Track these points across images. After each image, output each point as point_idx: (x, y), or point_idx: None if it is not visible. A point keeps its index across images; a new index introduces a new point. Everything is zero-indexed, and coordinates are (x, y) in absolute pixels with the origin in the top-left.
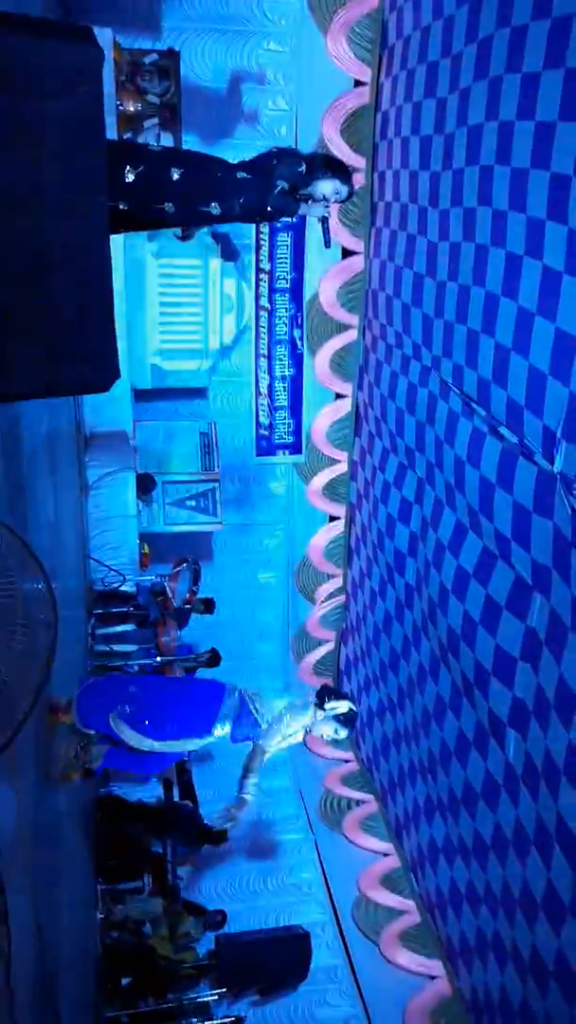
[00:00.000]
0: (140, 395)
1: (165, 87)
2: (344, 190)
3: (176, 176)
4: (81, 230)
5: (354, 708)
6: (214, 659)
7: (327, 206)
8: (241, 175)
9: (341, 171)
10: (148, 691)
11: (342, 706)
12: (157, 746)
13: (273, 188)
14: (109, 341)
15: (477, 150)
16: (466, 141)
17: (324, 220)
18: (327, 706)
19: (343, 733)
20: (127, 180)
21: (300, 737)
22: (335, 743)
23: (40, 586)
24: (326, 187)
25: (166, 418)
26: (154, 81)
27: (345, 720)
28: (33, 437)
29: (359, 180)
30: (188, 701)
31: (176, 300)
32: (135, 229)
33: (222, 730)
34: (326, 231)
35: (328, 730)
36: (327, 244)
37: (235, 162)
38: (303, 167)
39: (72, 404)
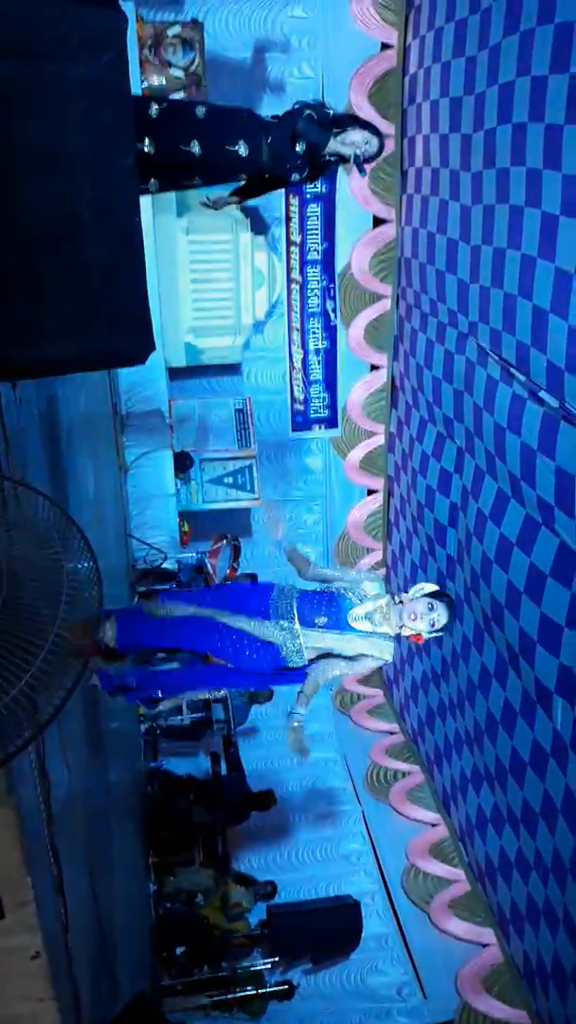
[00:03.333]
0: (174, 373)
1: (189, 59)
2: (374, 141)
3: (201, 113)
4: (109, 194)
5: (446, 592)
6: None
7: (358, 153)
8: (268, 119)
9: (368, 126)
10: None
11: (429, 586)
12: (207, 612)
13: (302, 115)
14: (142, 310)
15: (509, 108)
16: (497, 100)
17: (356, 157)
18: (412, 590)
19: (441, 616)
20: (152, 115)
21: (389, 627)
22: (434, 636)
23: (85, 564)
24: (356, 136)
25: (201, 396)
26: (178, 53)
27: (439, 597)
28: (71, 418)
29: (388, 146)
30: (238, 586)
31: (208, 277)
32: (164, 186)
33: (285, 604)
34: (359, 161)
35: (420, 608)
36: (363, 172)
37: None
38: (330, 110)
39: (108, 384)
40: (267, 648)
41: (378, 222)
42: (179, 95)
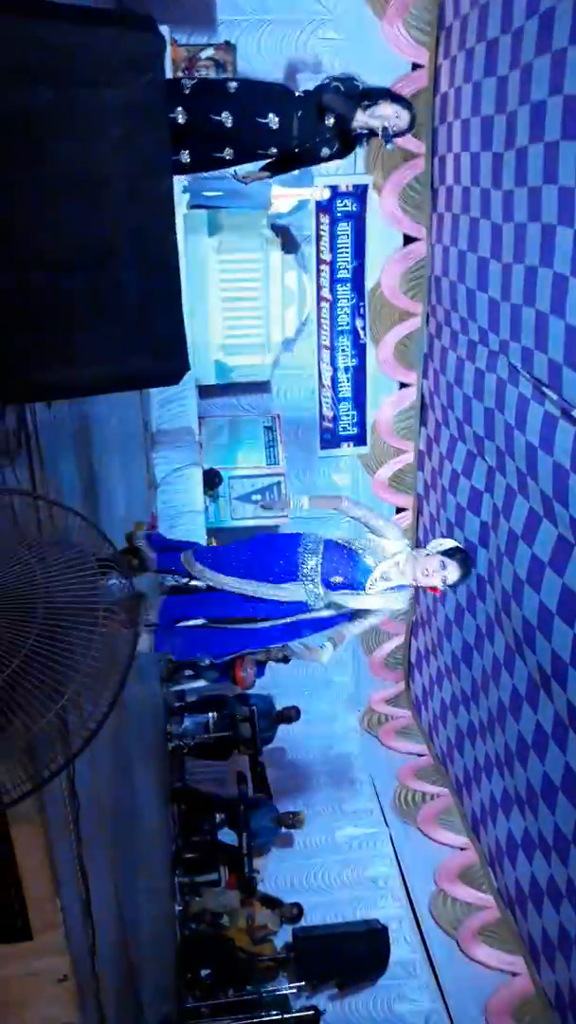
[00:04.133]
0: (204, 391)
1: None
2: (405, 115)
3: (233, 87)
4: (146, 218)
5: (462, 548)
6: (285, 655)
7: (388, 129)
8: (298, 94)
9: (400, 99)
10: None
11: (446, 543)
12: (234, 584)
13: (329, 87)
14: (178, 331)
15: (541, 127)
16: (529, 119)
17: (384, 130)
18: (429, 545)
19: (453, 572)
20: (184, 88)
21: (404, 579)
22: (450, 588)
23: (120, 581)
24: (387, 109)
25: (230, 413)
26: (211, 75)
27: (452, 554)
28: (102, 436)
29: (419, 165)
30: (266, 542)
31: (238, 295)
32: (196, 159)
33: (312, 563)
34: (387, 135)
35: (433, 565)
36: (388, 141)
37: None
38: (360, 83)
39: (138, 403)
40: (295, 604)
41: (408, 240)
42: None
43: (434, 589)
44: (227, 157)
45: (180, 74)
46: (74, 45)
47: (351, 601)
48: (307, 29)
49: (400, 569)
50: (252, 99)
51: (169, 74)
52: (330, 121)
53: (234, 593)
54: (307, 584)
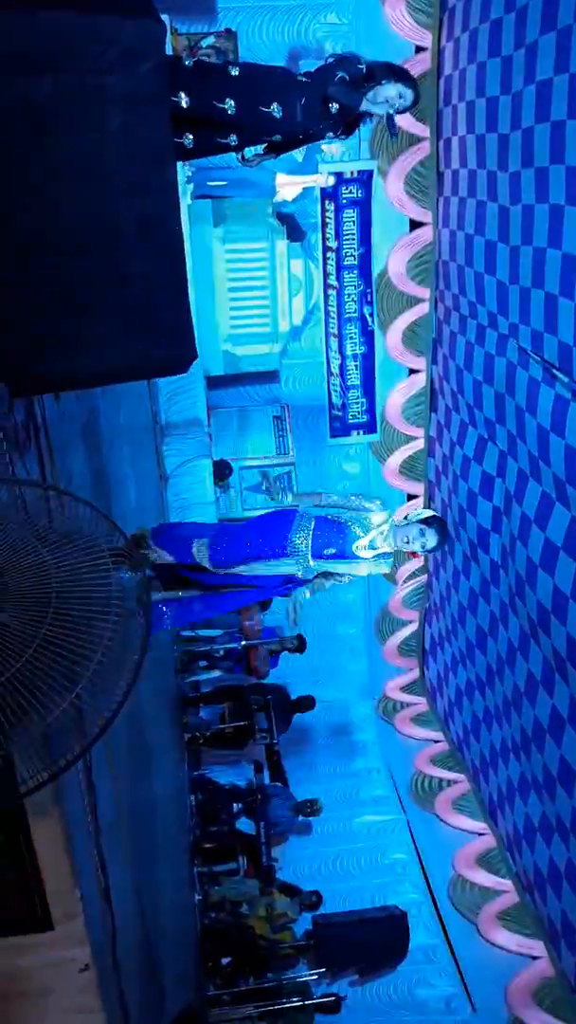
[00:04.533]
0: (213, 382)
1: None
2: (408, 94)
3: (235, 72)
4: (149, 205)
5: (439, 517)
6: (301, 644)
7: (391, 110)
8: (301, 78)
9: (404, 77)
10: (224, 529)
11: (424, 512)
12: (242, 569)
13: (333, 77)
14: (183, 319)
15: (547, 107)
16: (535, 98)
17: (389, 116)
18: (410, 514)
19: (431, 540)
20: (187, 68)
21: (388, 546)
22: (428, 552)
23: (130, 573)
24: (389, 91)
25: (239, 404)
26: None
27: (430, 523)
28: (112, 429)
29: (424, 149)
30: (261, 521)
31: (244, 285)
32: (199, 144)
33: (303, 540)
34: (391, 123)
35: (412, 534)
36: (393, 134)
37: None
38: (363, 65)
39: (147, 394)
40: (287, 577)
41: (415, 225)
42: None
43: (414, 554)
44: (231, 143)
45: (182, 54)
46: (74, 33)
47: (342, 568)
48: (309, 14)
49: (384, 536)
50: (254, 87)
51: None
52: (334, 108)
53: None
54: (297, 559)
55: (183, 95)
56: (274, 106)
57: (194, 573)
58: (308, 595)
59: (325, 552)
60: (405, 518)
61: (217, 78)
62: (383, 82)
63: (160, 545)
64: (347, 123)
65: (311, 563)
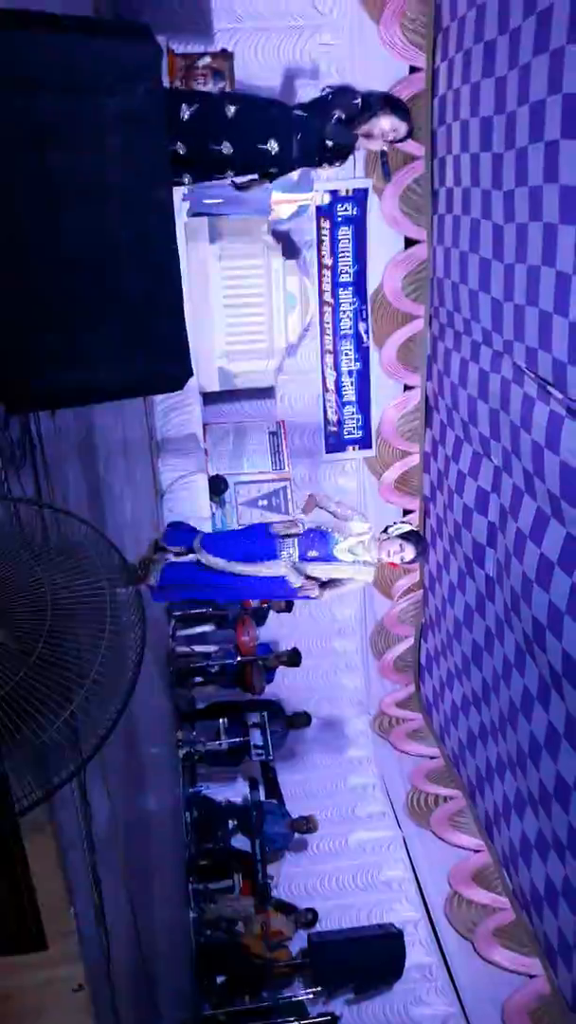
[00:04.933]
0: (209, 398)
1: (220, 89)
2: (403, 128)
3: (231, 113)
4: (146, 224)
5: (416, 531)
6: (295, 657)
7: (385, 143)
8: (297, 113)
9: (399, 108)
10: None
11: (404, 527)
12: (225, 565)
13: (330, 118)
14: (179, 336)
15: (541, 126)
16: (528, 118)
17: (383, 154)
18: (390, 528)
19: (409, 553)
20: (183, 118)
21: (368, 555)
22: (407, 564)
23: (126, 589)
24: (384, 123)
25: (235, 420)
26: (208, 83)
27: (408, 537)
28: (108, 445)
29: (419, 168)
30: (254, 528)
31: (240, 301)
32: (197, 180)
33: (290, 549)
34: (385, 164)
35: (393, 547)
36: (387, 177)
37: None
38: (359, 100)
39: (143, 411)
40: (276, 580)
41: (410, 243)
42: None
43: (394, 565)
44: (228, 176)
45: (177, 84)
46: (73, 55)
47: (324, 571)
48: (304, 35)
49: (365, 547)
50: (250, 125)
51: (166, 82)
52: (330, 143)
53: (225, 571)
54: (285, 561)
55: (180, 144)
56: (271, 143)
57: (193, 569)
58: (324, 598)
59: (309, 554)
60: (386, 531)
61: (213, 122)
62: (378, 113)
63: (170, 543)
64: (341, 157)
65: (297, 564)
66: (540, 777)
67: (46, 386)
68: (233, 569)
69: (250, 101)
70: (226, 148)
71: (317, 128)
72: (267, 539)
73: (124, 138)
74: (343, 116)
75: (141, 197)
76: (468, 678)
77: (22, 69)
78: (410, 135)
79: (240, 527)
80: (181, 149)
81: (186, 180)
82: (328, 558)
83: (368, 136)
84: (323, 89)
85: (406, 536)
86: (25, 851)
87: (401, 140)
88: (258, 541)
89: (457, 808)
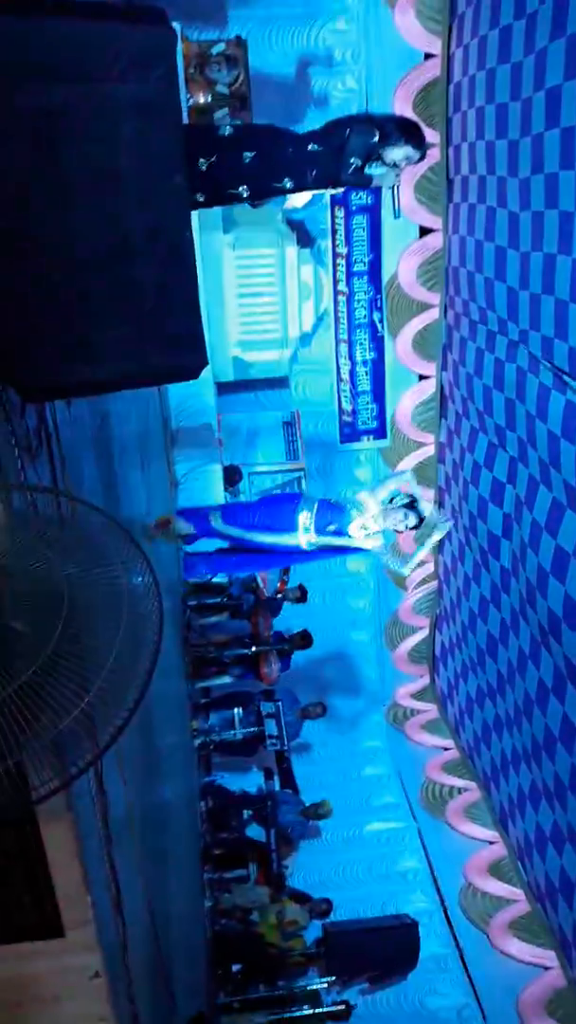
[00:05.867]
0: (223, 388)
1: (234, 76)
2: (415, 156)
3: (248, 159)
4: (160, 213)
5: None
6: (305, 638)
7: (398, 173)
8: (313, 148)
9: (415, 136)
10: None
11: (407, 498)
12: (256, 537)
13: (347, 166)
14: (195, 325)
15: (557, 113)
16: (544, 105)
17: (395, 188)
18: (395, 499)
19: (412, 520)
20: (201, 170)
21: (379, 526)
22: (410, 530)
23: (143, 578)
24: (397, 154)
25: (249, 409)
26: (223, 71)
27: (412, 507)
28: (122, 435)
29: (434, 156)
30: (270, 500)
31: (254, 291)
32: (211, 203)
33: (307, 517)
34: (396, 201)
35: (398, 516)
36: (397, 215)
37: (307, 132)
38: (376, 137)
39: (158, 400)
40: (294, 549)
41: (424, 232)
42: (223, 112)
43: (399, 531)
44: (242, 199)
45: (191, 71)
46: (85, 41)
47: (339, 542)
48: (318, 21)
49: (375, 518)
50: (268, 169)
51: (181, 70)
52: (343, 180)
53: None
54: (302, 533)
55: (200, 195)
56: (285, 181)
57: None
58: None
59: (328, 528)
60: (391, 501)
61: (232, 171)
62: (393, 144)
63: (186, 519)
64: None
65: (314, 538)
66: (555, 769)
67: (61, 376)
68: (252, 537)
69: (267, 142)
70: (243, 191)
71: (333, 168)
72: (288, 513)
73: (138, 127)
74: (360, 164)
75: (155, 185)
76: (483, 670)
77: (33, 56)
78: (423, 159)
79: (257, 498)
80: (200, 198)
81: (200, 198)
82: (343, 533)
83: (380, 166)
84: (340, 119)
85: (409, 506)
86: (43, 839)
87: (414, 163)
88: (278, 514)
89: (472, 800)
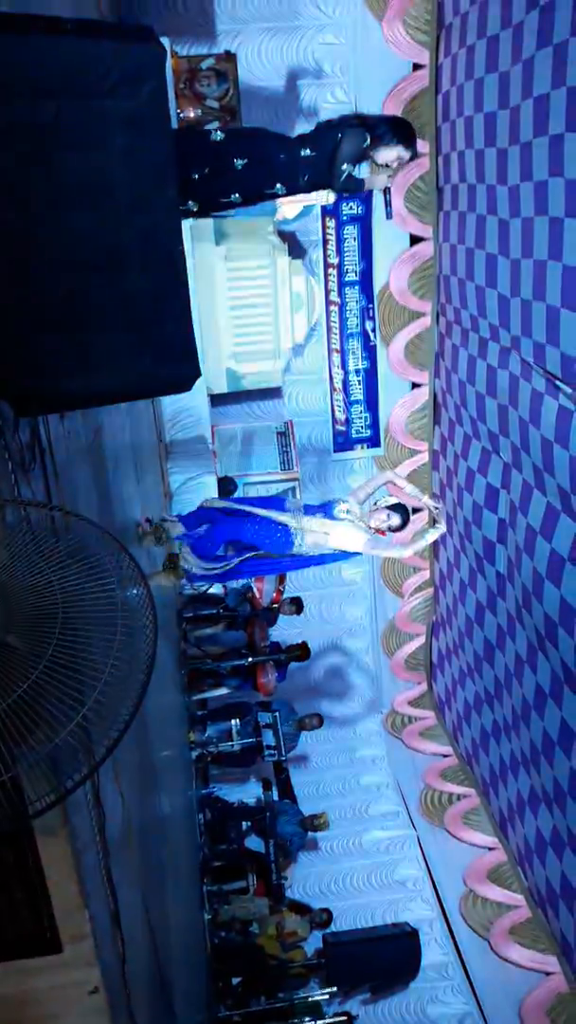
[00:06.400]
0: (216, 399)
1: (223, 90)
2: (407, 155)
3: (239, 166)
4: (152, 226)
5: (402, 504)
6: (304, 651)
7: (390, 175)
8: (305, 153)
9: (406, 136)
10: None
11: (391, 500)
12: (245, 507)
13: (339, 174)
14: (187, 337)
15: (544, 120)
16: (532, 113)
17: (387, 191)
18: (379, 502)
19: (395, 520)
20: (194, 179)
21: (363, 524)
22: (392, 531)
23: (136, 591)
24: (389, 155)
25: (243, 420)
26: (212, 85)
27: (395, 508)
28: (116, 448)
29: (424, 165)
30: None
31: (246, 302)
32: (204, 211)
33: (294, 503)
34: (388, 202)
35: (381, 516)
36: (389, 215)
37: (298, 136)
38: (367, 141)
39: (151, 413)
40: (282, 529)
41: (415, 240)
42: (214, 126)
43: (381, 532)
44: (235, 205)
45: (181, 87)
46: (76, 59)
47: (322, 525)
48: (307, 34)
49: (358, 516)
50: (260, 176)
51: (171, 85)
52: (335, 186)
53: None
54: (293, 512)
55: (191, 203)
56: (278, 187)
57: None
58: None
59: (315, 514)
60: (375, 503)
61: (224, 179)
62: (385, 145)
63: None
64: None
65: (303, 517)
66: (554, 774)
67: (54, 388)
68: (241, 506)
69: (259, 151)
70: (235, 198)
71: (324, 173)
72: (277, 502)
73: (129, 140)
74: (352, 171)
75: (147, 199)
76: (480, 676)
77: (24, 74)
78: (414, 159)
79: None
80: (193, 207)
81: (192, 207)
82: (328, 514)
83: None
84: (332, 121)
85: (393, 507)
86: (39, 854)
87: (404, 164)
88: (268, 502)
89: (471, 806)
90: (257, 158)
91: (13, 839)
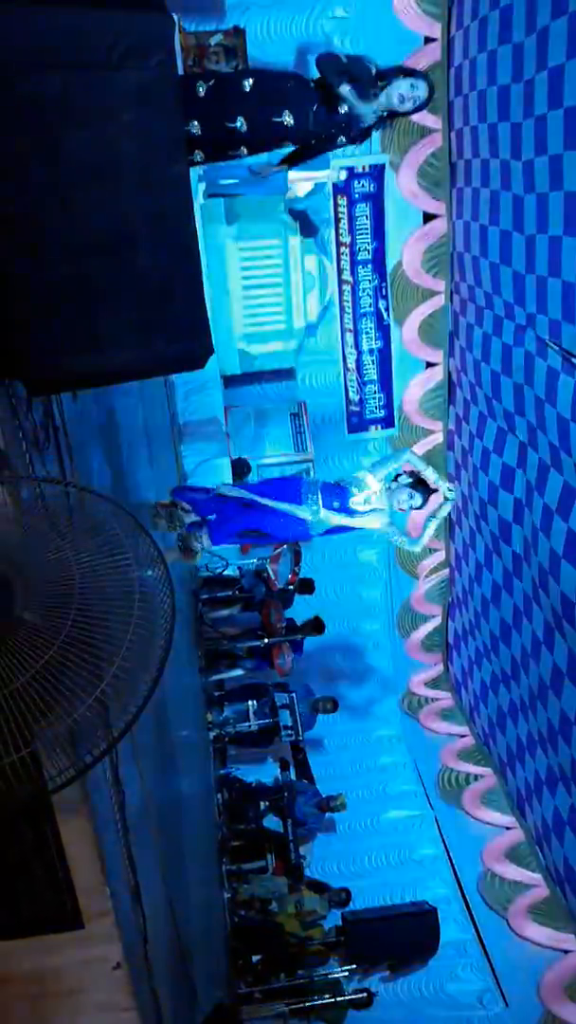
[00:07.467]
0: (229, 381)
1: (232, 66)
2: (421, 84)
3: (248, 86)
4: (162, 201)
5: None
6: (317, 626)
7: (409, 104)
8: (313, 85)
9: (416, 73)
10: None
11: (411, 478)
12: (260, 500)
13: (342, 80)
14: (199, 314)
15: (560, 93)
16: (547, 85)
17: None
18: (400, 478)
19: (417, 500)
20: (199, 93)
21: (381, 504)
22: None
23: (154, 571)
24: (402, 86)
25: (256, 402)
26: (221, 62)
27: (416, 486)
28: (130, 429)
29: (436, 140)
30: (274, 481)
31: (259, 283)
32: (210, 158)
33: (313, 497)
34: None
35: (403, 496)
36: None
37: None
38: (373, 68)
39: (164, 395)
40: (300, 521)
41: (428, 217)
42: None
43: (402, 509)
44: (242, 154)
45: (190, 64)
46: (83, 30)
47: (345, 521)
48: (316, 8)
49: (378, 497)
50: (266, 99)
51: (179, 61)
52: (343, 110)
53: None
54: (311, 507)
55: (195, 123)
56: (285, 114)
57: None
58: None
59: (333, 505)
60: (396, 480)
61: (230, 97)
62: (394, 80)
63: (183, 496)
64: (361, 131)
65: (322, 513)
66: (571, 754)
67: (65, 368)
68: (257, 497)
69: (267, 73)
70: (241, 125)
71: (332, 92)
72: (293, 491)
73: (138, 114)
74: (357, 79)
75: (157, 174)
76: (497, 656)
77: (30, 46)
78: (431, 96)
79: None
80: (195, 129)
81: (198, 158)
82: (347, 511)
83: (388, 102)
84: (333, 60)
85: (414, 485)
86: (60, 832)
87: (423, 104)
88: (284, 490)
89: (488, 786)
90: (265, 81)
91: (34, 817)
